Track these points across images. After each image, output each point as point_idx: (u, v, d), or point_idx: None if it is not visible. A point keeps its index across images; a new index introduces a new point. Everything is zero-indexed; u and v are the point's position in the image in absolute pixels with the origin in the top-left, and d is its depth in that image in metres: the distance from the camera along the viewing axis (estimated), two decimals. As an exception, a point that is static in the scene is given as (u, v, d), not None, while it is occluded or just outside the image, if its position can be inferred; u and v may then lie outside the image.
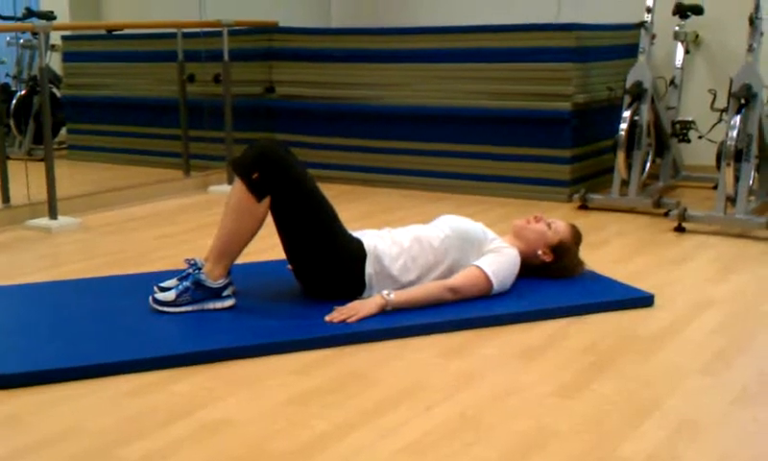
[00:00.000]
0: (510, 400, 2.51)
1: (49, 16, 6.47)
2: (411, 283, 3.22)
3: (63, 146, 7.27)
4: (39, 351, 2.81)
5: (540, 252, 3.45)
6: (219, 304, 3.13)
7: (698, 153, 5.59)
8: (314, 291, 3.26)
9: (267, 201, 3.11)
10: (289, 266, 3.48)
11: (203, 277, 3.11)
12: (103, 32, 7.31)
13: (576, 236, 3.53)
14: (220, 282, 3.13)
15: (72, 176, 6.27)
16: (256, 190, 3.09)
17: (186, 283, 3.11)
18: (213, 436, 2.30)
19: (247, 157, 3.16)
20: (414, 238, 3.28)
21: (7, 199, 5.02)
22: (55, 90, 7.05)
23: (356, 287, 3.19)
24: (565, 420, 2.37)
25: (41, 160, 5.02)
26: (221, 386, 2.61)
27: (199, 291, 3.11)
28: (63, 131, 7.34)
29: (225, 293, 3.15)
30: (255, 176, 3.08)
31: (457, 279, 3.22)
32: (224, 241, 3.16)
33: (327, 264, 3.19)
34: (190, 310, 3.10)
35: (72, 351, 2.80)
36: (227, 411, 2.44)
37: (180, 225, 4.82)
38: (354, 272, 3.18)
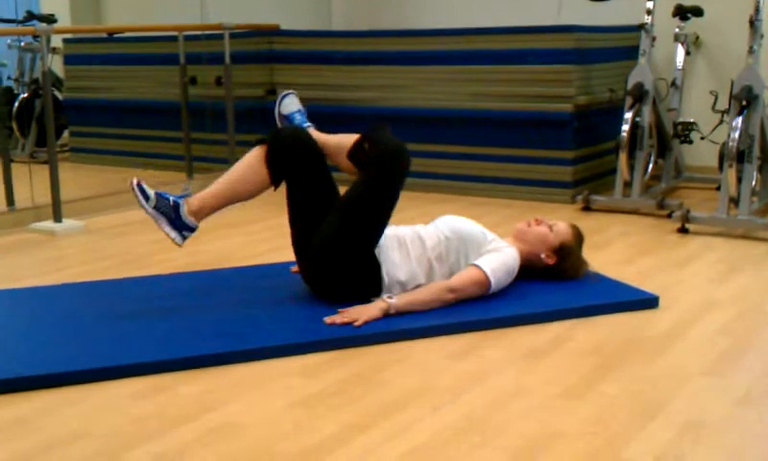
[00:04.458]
0: (516, 401, 2.51)
1: (50, 19, 6.49)
2: (417, 286, 3.23)
3: (66, 149, 7.30)
4: (45, 355, 2.82)
5: (542, 255, 3.45)
6: (171, 234, 3.13)
7: (700, 154, 5.61)
8: (324, 291, 3.25)
9: (280, 185, 3.23)
10: (293, 268, 3.48)
11: (183, 205, 3.15)
12: (104, 35, 7.32)
13: (578, 238, 3.53)
14: (190, 221, 3.17)
15: (75, 179, 6.28)
16: (273, 168, 3.18)
17: (171, 197, 3.16)
18: (220, 439, 2.30)
19: (281, 136, 3.25)
20: (416, 241, 3.29)
21: (11, 202, 5.03)
22: (57, 93, 7.06)
23: (373, 290, 3.20)
24: (571, 421, 2.38)
25: (44, 163, 5.03)
26: (227, 389, 2.62)
27: (171, 211, 3.14)
28: (66, 133, 7.36)
29: (185, 233, 3.17)
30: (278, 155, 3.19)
31: (456, 279, 3.23)
32: (218, 190, 3.23)
33: (345, 266, 3.20)
34: (148, 212, 3.12)
35: (78, 355, 2.81)
36: (233, 414, 2.45)
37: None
38: (371, 276, 3.19)
